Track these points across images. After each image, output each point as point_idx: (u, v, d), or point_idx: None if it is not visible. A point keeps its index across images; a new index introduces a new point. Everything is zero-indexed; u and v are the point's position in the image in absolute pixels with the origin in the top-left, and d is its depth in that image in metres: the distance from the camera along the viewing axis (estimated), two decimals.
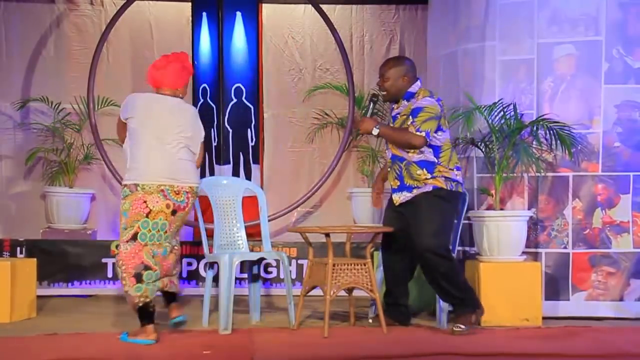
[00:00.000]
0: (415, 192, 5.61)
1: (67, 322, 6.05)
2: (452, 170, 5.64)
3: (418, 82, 5.69)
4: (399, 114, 5.69)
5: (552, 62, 6.28)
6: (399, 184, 5.68)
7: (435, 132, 5.55)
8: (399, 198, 5.68)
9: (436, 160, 5.60)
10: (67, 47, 8.32)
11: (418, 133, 5.50)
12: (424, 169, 5.58)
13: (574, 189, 6.23)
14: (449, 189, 5.60)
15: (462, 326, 5.48)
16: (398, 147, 5.63)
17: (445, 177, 5.60)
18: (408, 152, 5.60)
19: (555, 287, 6.21)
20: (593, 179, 6.23)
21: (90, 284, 7.50)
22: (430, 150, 5.58)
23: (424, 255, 5.52)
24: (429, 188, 5.58)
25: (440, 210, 5.58)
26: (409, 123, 5.56)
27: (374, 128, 5.59)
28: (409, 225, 5.61)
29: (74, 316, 6.43)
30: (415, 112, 5.55)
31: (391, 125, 5.72)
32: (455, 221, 5.79)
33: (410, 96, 5.65)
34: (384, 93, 5.72)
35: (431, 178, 5.58)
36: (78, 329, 5.71)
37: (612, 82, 6.22)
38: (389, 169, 5.76)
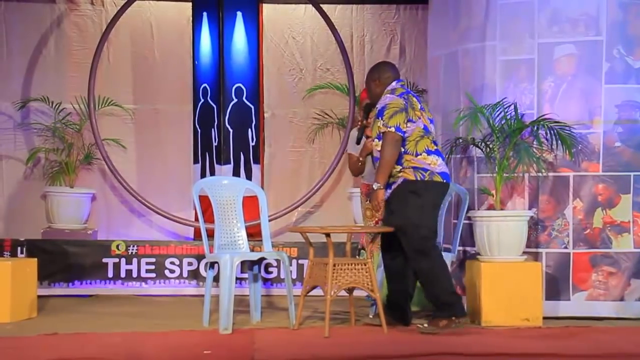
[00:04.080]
0: (393, 187, 5.63)
1: (67, 322, 6.05)
2: (421, 155, 5.58)
3: (393, 83, 5.74)
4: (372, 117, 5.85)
5: (552, 62, 6.28)
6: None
7: (406, 123, 5.58)
8: (384, 196, 5.67)
9: (402, 150, 5.59)
10: (67, 47, 8.32)
11: (386, 128, 5.53)
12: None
13: (574, 189, 6.23)
14: (419, 179, 5.57)
15: (426, 325, 5.50)
16: (393, 160, 5.58)
17: (414, 168, 5.57)
18: (378, 149, 5.62)
19: (555, 287, 6.20)
20: (594, 179, 6.22)
21: (90, 284, 7.50)
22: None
23: (416, 257, 5.56)
24: (400, 181, 5.60)
25: (408, 205, 5.56)
26: (379, 124, 5.59)
27: (375, 185, 5.60)
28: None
29: (75, 316, 6.43)
30: (380, 113, 5.61)
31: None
32: (439, 212, 5.79)
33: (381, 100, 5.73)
34: (368, 102, 5.90)
35: (401, 170, 5.58)
36: (78, 328, 5.71)
37: (612, 82, 6.22)
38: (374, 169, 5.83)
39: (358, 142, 6.46)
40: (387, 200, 5.64)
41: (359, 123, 6.54)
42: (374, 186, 5.60)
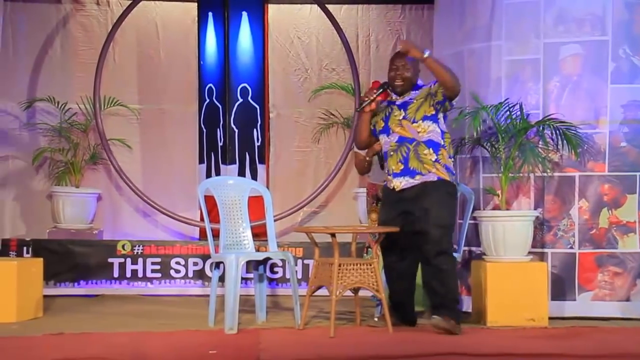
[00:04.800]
0: (419, 179, 5.56)
1: (73, 322, 6.06)
2: (452, 158, 5.67)
3: None
4: (413, 99, 5.63)
5: (558, 62, 6.27)
6: (402, 167, 5.60)
7: (445, 114, 5.65)
8: (400, 183, 5.61)
9: (441, 143, 5.59)
10: (73, 47, 8.34)
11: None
12: (431, 149, 5.56)
13: (580, 189, 6.22)
14: (452, 182, 5.61)
15: (439, 318, 5.47)
16: (443, 85, 5.49)
17: (447, 168, 5.59)
18: (418, 132, 5.55)
19: (561, 287, 6.19)
20: (599, 179, 6.21)
21: (96, 283, 7.51)
22: (438, 131, 5.60)
23: (438, 257, 5.50)
24: (433, 178, 5.55)
25: (450, 209, 5.60)
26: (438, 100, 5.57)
27: (425, 51, 5.48)
28: (413, 222, 5.58)
29: (80, 316, 6.44)
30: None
31: (396, 113, 5.65)
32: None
33: (418, 87, 5.68)
34: (401, 82, 5.65)
35: (435, 162, 5.55)
36: (84, 328, 5.72)
37: (618, 82, 6.21)
38: (391, 153, 5.65)
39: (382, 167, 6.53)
40: (417, 195, 5.55)
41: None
42: (425, 52, 5.49)
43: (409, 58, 5.57)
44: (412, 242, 5.62)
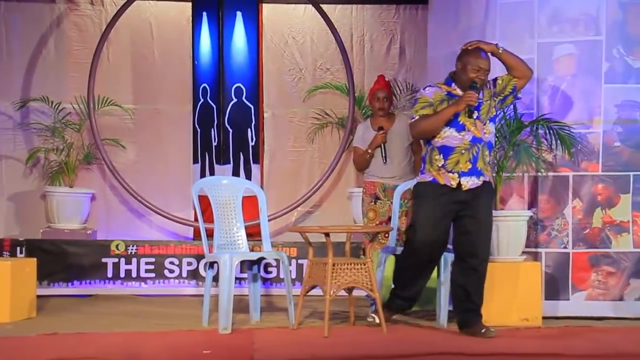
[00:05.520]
0: (482, 179, 5.52)
1: (67, 322, 6.05)
2: None
3: None
4: (482, 100, 5.55)
5: (552, 62, 6.27)
6: (470, 167, 5.48)
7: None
8: (467, 183, 5.49)
9: (494, 144, 5.70)
10: (67, 47, 8.32)
11: None
12: (489, 150, 5.60)
13: (574, 189, 6.22)
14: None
15: (491, 330, 5.43)
16: (519, 71, 5.56)
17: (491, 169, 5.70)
18: (485, 133, 5.51)
19: (555, 287, 6.20)
20: (593, 178, 6.22)
21: (90, 283, 7.50)
22: (494, 132, 5.68)
23: (484, 263, 5.51)
24: (487, 178, 5.58)
25: (491, 211, 5.66)
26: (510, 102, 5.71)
27: (497, 45, 5.54)
28: (464, 222, 5.49)
29: (74, 316, 6.43)
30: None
31: (474, 114, 5.51)
32: None
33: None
34: (483, 83, 5.55)
35: (489, 164, 5.61)
36: (78, 328, 5.71)
37: (612, 81, 6.22)
38: (462, 152, 5.45)
39: (385, 162, 6.55)
40: (473, 195, 5.50)
41: (383, 135, 6.56)
42: (500, 46, 5.53)
43: (485, 55, 5.48)
44: (457, 241, 5.57)
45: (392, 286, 5.85)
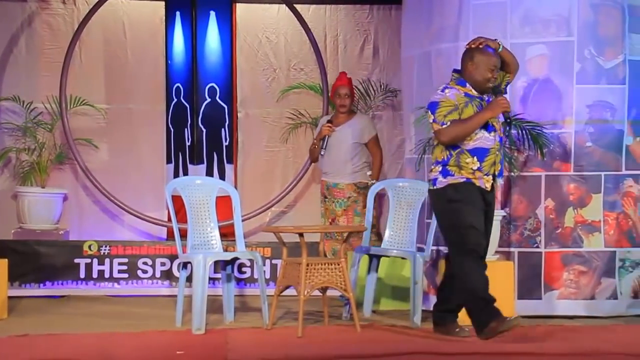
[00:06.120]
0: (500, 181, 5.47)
1: (39, 323, 6.01)
2: None
3: None
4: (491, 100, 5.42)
5: (524, 63, 6.29)
6: (499, 168, 5.34)
7: None
8: (498, 184, 5.43)
9: None
10: (39, 46, 8.25)
11: None
12: None
13: (546, 189, 6.27)
14: None
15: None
16: (513, 66, 5.40)
17: None
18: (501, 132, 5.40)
19: (527, 286, 6.24)
20: (565, 178, 6.27)
21: (62, 284, 7.45)
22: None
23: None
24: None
25: None
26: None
27: (498, 42, 5.34)
28: (486, 223, 5.37)
29: (46, 317, 6.39)
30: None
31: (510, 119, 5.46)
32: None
33: None
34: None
35: None
36: (50, 330, 5.68)
37: (584, 82, 6.27)
38: (497, 152, 5.28)
39: (322, 154, 6.67)
40: (492, 197, 5.41)
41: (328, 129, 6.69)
42: (501, 44, 5.36)
43: (495, 52, 5.30)
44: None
45: (470, 304, 5.32)
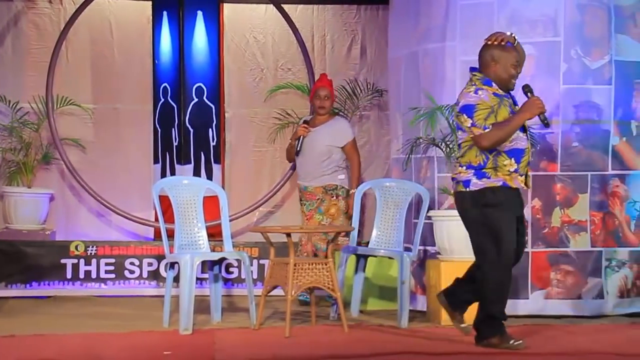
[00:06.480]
0: None
1: (25, 324, 5.99)
2: None
3: None
4: None
5: None
6: (529, 170, 5.23)
7: None
8: (530, 186, 5.30)
9: None
10: (25, 46, 8.22)
11: None
12: None
13: (533, 188, 6.27)
14: None
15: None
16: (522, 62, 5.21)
17: None
18: None
19: (514, 286, 6.21)
20: (552, 178, 6.29)
21: (49, 284, 7.42)
22: None
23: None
24: None
25: None
26: None
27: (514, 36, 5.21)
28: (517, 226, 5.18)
29: (33, 317, 6.37)
30: None
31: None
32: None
33: None
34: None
35: None
36: (37, 330, 5.66)
37: (570, 82, 6.29)
38: (530, 153, 5.19)
39: (297, 154, 6.68)
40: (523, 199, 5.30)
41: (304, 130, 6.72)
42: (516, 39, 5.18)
43: (512, 46, 5.19)
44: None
45: (481, 313, 5.15)
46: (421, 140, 6.43)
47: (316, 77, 8.11)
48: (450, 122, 6.17)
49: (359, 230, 6.76)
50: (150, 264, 7.55)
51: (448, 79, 6.46)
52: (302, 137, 6.93)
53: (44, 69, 7.87)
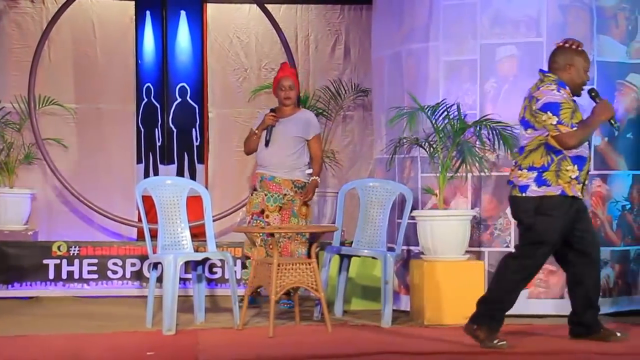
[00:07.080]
0: None
1: (7, 325, 5.96)
2: None
3: None
4: None
5: (494, 63, 6.35)
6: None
7: None
8: (586, 192, 5.29)
9: None
10: (7, 45, 8.18)
11: None
12: None
13: None
14: None
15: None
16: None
17: None
18: None
19: None
20: None
21: (31, 285, 7.38)
22: None
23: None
24: None
25: None
26: None
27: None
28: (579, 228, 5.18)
29: (15, 318, 6.34)
30: None
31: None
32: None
33: None
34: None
35: None
36: (19, 331, 5.63)
37: None
38: (590, 162, 5.20)
39: (267, 145, 6.53)
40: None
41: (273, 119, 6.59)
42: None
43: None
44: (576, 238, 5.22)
45: (486, 298, 5.23)
46: (405, 140, 6.44)
47: (300, 78, 8.10)
48: (433, 122, 6.17)
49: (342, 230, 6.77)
50: (133, 264, 7.53)
51: (431, 78, 6.48)
52: (271, 127, 6.71)
53: (26, 68, 7.84)
